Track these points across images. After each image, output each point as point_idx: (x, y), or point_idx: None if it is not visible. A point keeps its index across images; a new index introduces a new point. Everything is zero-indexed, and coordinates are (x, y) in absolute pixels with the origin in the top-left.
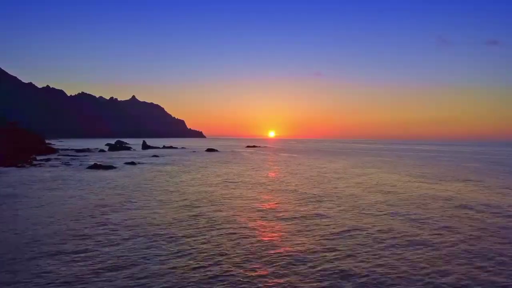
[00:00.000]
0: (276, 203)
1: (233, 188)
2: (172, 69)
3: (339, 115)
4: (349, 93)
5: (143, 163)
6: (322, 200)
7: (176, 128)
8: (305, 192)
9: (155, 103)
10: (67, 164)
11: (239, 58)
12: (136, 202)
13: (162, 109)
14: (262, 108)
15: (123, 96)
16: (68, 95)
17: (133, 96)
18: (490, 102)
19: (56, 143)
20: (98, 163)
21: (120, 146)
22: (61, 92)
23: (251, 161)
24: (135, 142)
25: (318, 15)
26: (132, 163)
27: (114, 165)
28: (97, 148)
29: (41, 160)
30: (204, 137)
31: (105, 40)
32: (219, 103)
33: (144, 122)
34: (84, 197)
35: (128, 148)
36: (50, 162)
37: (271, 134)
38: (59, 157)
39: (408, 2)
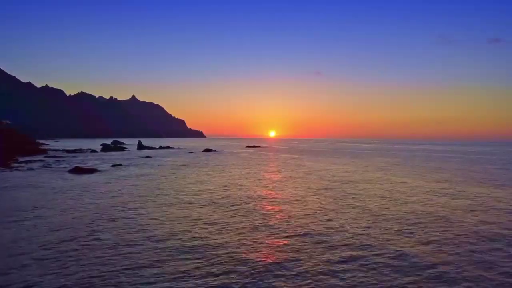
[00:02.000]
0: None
1: (190, 207)
2: (172, 69)
3: (339, 114)
4: (349, 93)
5: (131, 165)
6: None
7: (176, 128)
8: (289, 215)
9: (155, 103)
10: (48, 167)
11: (239, 58)
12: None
13: (162, 109)
14: (263, 108)
15: (123, 96)
16: (68, 94)
17: (133, 96)
18: (490, 101)
19: (51, 144)
20: (80, 166)
21: (114, 147)
22: (60, 92)
23: (247, 163)
24: (133, 142)
25: (318, 15)
26: (119, 165)
27: (98, 168)
28: (89, 149)
29: (23, 162)
30: (205, 137)
31: (105, 39)
32: (219, 103)
33: (144, 122)
34: None
35: (123, 149)
36: (30, 165)
37: (272, 134)
38: (45, 158)
39: (409, 2)
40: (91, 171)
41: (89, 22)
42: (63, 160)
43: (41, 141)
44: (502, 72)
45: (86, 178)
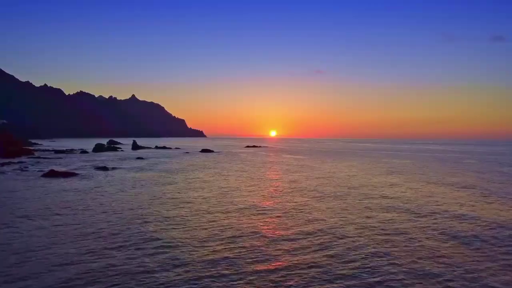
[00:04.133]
0: None
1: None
2: (172, 69)
3: (340, 113)
4: (350, 91)
5: (118, 167)
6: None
7: (177, 128)
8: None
9: (155, 102)
10: (24, 169)
11: (239, 57)
12: None
13: (162, 108)
14: (263, 107)
15: (122, 95)
16: (67, 94)
17: (133, 95)
18: (490, 100)
19: (45, 144)
20: (56, 170)
21: (108, 147)
22: (59, 91)
23: (243, 166)
24: (131, 142)
25: (319, 12)
26: (104, 168)
27: (78, 172)
28: (80, 149)
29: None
30: (205, 136)
31: (104, 38)
32: (220, 102)
33: (144, 121)
34: None
35: (116, 149)
36: (6, 167)
37: (273, 133)
38: (26, 160)
39: (410, 0)
40: (68, 175)
41: (88, 21)
42: (45, 162)
43: (34, 141)
44: (504, 72)
45: (53, 183)
